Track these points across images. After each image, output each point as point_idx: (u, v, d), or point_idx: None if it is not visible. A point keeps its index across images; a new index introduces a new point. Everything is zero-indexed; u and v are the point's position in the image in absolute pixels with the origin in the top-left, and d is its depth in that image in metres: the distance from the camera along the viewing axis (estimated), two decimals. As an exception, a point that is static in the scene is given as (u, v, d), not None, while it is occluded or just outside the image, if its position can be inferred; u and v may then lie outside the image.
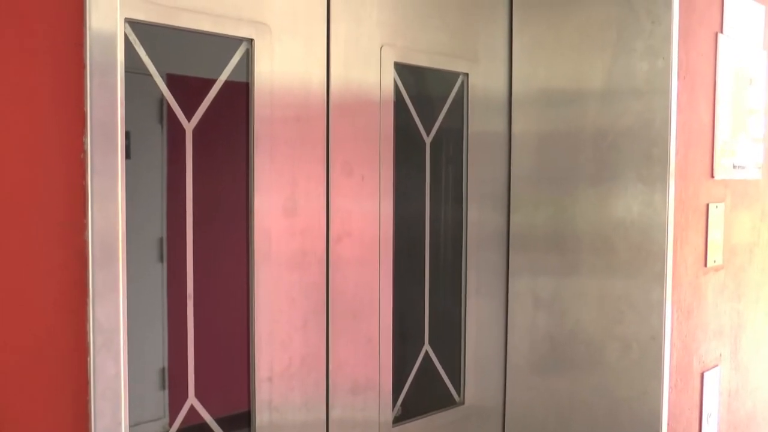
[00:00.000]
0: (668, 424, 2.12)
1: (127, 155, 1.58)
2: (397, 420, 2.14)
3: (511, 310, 2.39)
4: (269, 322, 1.78)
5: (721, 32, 2.33)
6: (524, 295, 2.36)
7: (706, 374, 2.35)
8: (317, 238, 1.88)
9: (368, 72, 1.98)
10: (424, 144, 2.23)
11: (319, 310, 1.89)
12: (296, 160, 1.83)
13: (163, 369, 1.73)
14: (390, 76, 2.03)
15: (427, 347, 2.26)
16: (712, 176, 2.33)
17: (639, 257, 2.11)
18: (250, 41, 1.73)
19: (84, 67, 1.13)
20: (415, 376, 2.24)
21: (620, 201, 2.14)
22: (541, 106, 2.32)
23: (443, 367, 2.31)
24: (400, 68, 2.08)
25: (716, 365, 2.42)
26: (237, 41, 1.73)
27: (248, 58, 1.74)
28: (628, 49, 2.11)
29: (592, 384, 2.22)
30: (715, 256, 2.35)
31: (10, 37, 1.09)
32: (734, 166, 2.45)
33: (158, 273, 1.69)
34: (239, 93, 1.78)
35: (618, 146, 2.14)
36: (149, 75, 1.62)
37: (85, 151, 1.13)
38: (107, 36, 1.15)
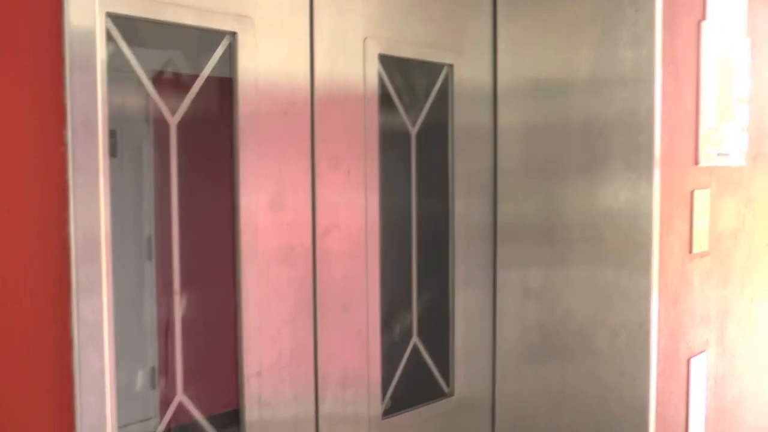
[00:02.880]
0: (656, 410, 2.13)
1: (111, 150, 1.57)
2: (387, 413, 2.14)
3: (499, 301, 2.40)
4: (257, 316, 1.77)
5: (704, 20, 2.34)
6: (513, 286, 2.36)
7: (692, 360, 2.37)
8: (304, 232, 1.88)
9: (352, 64, 1.97)
10: (410, 136, 2.22)
11: (307, 304, 1.89)
12: (282, 155, 1.82)
13: (151, 366, 1.72)
14: (374, 69, 2.02)
15: (415, 339, 2.26)
16: (697, 163, 2.33)
17: (626, 244, 2.12)
18: (233, 35, 1.72)
19: (63, 60, 1.12)
20: (404, 368, 2.24)
21: (608, 189, 2.15)
22: (528, 96, 2.32)
23: (432, 359, 2.31)
24: (385, 60, 2.08)
25: (703, 351, 2.43)
26: (220, 35, 1.72)
27: (231, 52, 1.73)
28: (613, 38, 2.11)
29: (582, 371, 2.23)
30: (700, 242, 2.36)
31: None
32: (719, 154, 2.46)
33: (145, 269, 1.68)
34: (223, 87, 1.76)
35: (605, 135, 2.14)
36: (132, 69, 1.61)
37: (65, 144, 1.12)
38: (86, 29, 1.14)
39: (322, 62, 1.89)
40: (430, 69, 2.26)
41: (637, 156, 2.08)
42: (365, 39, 1.99)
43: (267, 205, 1.79)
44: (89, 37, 1.12)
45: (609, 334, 2.16)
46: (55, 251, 1.13)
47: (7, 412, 1.11)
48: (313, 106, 1.88)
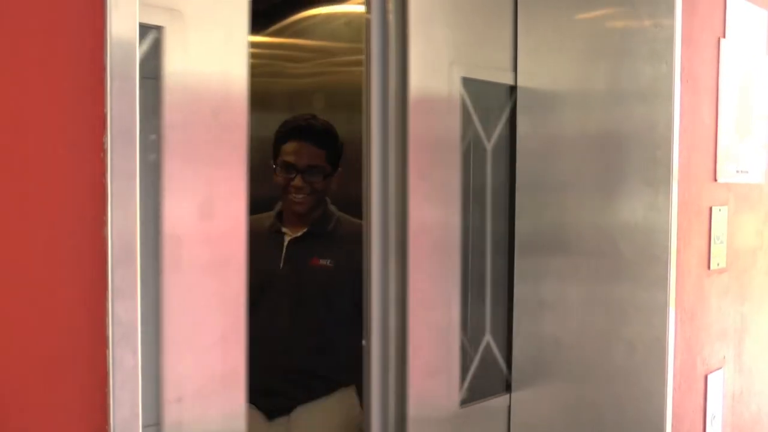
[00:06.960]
0: (672, 426, 2.13)
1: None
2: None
3: (516, 314, 2.40)
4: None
5: (724, 37, 2.36)
6: (529, 299, 2.37)
7: (709, 376, 2.37)
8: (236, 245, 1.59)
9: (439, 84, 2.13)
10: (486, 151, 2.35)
11: (239, 323, 1.62)
12: (212, 161, 1.55)
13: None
14: (457, 89, 2.17)
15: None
16: (715, 180, 2.35)
17: (643, 259, 2.12)
18: (159, 29, 1.43)
19: (105, 69, 1.17)
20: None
21: (625, 204, 2.16)
22: (545, 109, 2.33)
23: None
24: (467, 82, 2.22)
25: (720, 367, 2.43)
26: (143, 29, 1.38)
27: (157, 50, 1.44)
28: (631, 53, 2.13)
29: (597, 386, 2.23)
30: (718, 258, 2.37)
31: (37, 42, 1.13)
32: (737, 171, 2.47)
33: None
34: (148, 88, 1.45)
35: (622, 149, 2.15)
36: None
37: (105, 151, 1.17)
38: (127, 39, 1.18)
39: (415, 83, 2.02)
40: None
41: (654, 171, 2.09)
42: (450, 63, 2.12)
43: (196, 215, 1.52)
44: (130, 47, 1.17)
45: (625, 349, 2.17)
46: (93, 253, 1.17)
47: (43, 406, 1.15)
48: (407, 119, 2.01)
